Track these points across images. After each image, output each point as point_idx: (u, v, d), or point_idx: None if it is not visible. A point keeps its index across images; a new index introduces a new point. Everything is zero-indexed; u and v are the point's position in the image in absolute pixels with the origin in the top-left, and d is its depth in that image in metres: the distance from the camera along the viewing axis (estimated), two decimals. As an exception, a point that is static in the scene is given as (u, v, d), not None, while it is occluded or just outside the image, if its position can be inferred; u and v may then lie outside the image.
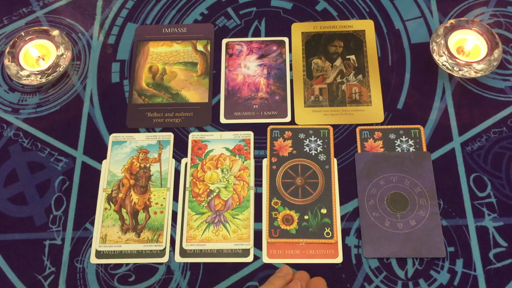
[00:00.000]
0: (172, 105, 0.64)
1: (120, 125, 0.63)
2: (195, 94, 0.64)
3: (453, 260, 0.54)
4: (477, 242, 0.55)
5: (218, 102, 0.64)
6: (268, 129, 0.61)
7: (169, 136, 0.62)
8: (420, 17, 0.68)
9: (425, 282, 0.53)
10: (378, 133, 0.60)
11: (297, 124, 0.62)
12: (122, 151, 0.61)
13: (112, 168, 0.60)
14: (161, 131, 0.62)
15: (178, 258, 0.56)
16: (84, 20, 0.70)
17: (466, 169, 0.58)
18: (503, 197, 0.57)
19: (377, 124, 0.61)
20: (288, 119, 0.62)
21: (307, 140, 0.61)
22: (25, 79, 0.63)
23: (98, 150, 0.61)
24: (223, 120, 0.63)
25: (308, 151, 0.60)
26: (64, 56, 0.64)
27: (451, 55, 0.61)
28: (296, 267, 0.54)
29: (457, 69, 0.60)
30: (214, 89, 0.65)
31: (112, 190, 0.59)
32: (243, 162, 0.60)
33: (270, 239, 0.56)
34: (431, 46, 0.62)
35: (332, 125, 0.61)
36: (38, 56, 0.65)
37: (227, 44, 0.67)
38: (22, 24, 0.70)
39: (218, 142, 0.61)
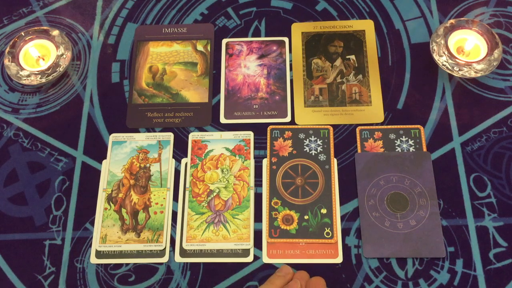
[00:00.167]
0: (172, 105, 0.64)
1: (120, 125, 0.63)
2: (195, 94, 0.64)
3: (453, 260, 0.54)
4: (477, 242, 0.55)
5: (218, 102, 0.64)
6: (268, 129, 0.61)
7: (169, 136, 0.62)
8: (420, 17, 0.67)
9: (425, 282, 0.53)
10: (378, 133, 0.60)
11: (297, 124, 0.62)
12: (122, 151, 0.61)
13: (112, 168, 0.60)
14: (161, 131, 0.62)
15: (178, 258, 0.56)
16: (84, 20, 0.70)
17: (466, 169, 0.58)
18: (503, 197, 0.57)
19: (377, 124, 0.61)
20: (288, 119, 0.62)
21: (307, 140, 0.61)
22: (25, 79, 0.63)
23: (98, 150, 0.61)
24: (223, 120, 0.63)
25: (308, 151, 0.60)
26: (64, 56, 0.64)
27: (451, 55, 0.61)
28: (296, 267, 0.54)
29: (457, 69, 0.60)
30: (214, 89, 0.65)
31: (112, 190, 0.59)
32: (243, 162, 0.60)
33: (270, 239, 0.56)
34: (431, 46, 0.62)
35: (332, 125, 0.61)
36: (38, 56, 0.65)
37: (227, 44, 0.67)
38: (22, 24, 0.70)
39: (218, 142, 0.61)
